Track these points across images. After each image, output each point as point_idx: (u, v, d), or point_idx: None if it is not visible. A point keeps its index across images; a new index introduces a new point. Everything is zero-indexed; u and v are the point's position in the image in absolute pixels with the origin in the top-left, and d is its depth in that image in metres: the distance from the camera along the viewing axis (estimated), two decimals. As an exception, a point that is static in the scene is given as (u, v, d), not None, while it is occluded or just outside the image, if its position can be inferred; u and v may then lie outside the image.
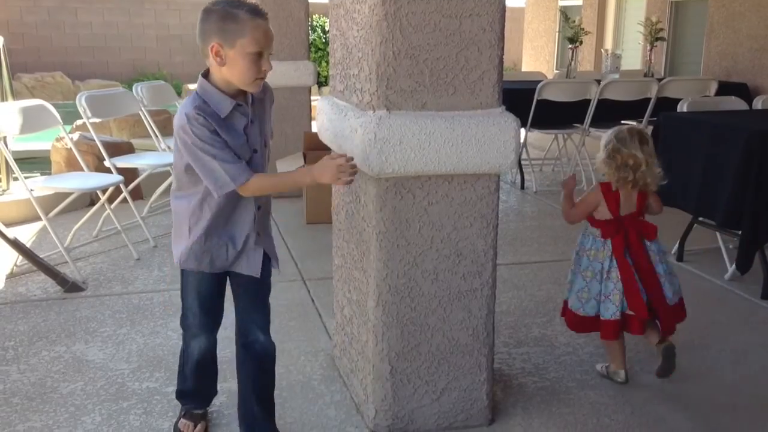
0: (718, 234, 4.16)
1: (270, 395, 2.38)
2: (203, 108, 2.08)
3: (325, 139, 2.69)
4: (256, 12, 2.07)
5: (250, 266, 2.28)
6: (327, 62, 12.65)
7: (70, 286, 3.74)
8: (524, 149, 6.10)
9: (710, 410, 2.64)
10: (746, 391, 2.79)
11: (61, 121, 4.34)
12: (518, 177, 6.33)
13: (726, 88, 6.24)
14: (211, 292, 2.32)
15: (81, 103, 4.47)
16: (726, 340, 3.24)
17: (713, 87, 6.20)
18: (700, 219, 4.17)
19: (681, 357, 3.06)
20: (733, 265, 3.84)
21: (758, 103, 4.91)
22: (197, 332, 2.39)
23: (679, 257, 4.27)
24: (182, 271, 2.30)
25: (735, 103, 4.84)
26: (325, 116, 2.65)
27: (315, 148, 4.72)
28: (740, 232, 3.71)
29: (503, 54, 2.30)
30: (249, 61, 2.08)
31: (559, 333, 3.27)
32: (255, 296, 2.35)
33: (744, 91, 6.63)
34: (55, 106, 4.38)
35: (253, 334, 2.33)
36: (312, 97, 5.87)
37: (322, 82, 12.55)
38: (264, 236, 2.31)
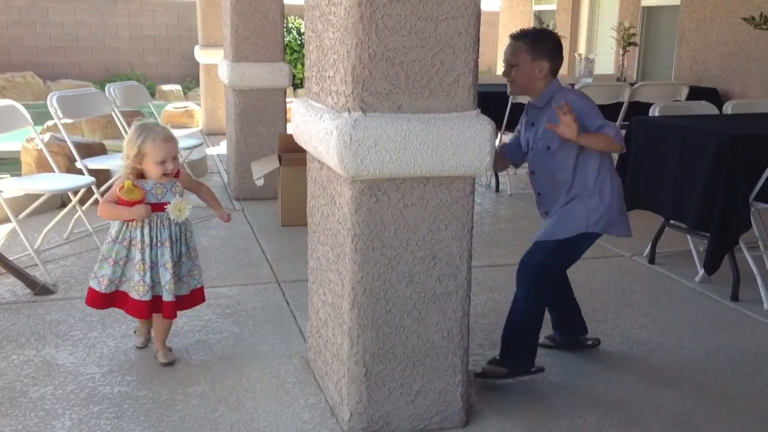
0: (689, 237, 4.21)
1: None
2: None
3: (301, 140, 2.68)
4: None
5: None
6: (302, 64, 12.64)
7: (40, 289, 3.68)
8: (499, 152, 6.12)
9: (681, 411, 2.67)
10: (716, 392, 2.82)
11: (31, 121, 4.28)
12: (493, 180, 6.36)
13: (696, 93, 6.33)
14: None
15: (52, 103, 4.41)
16: (696, 341, 3.28)
17: (684, 92, 6.28)
18: (672, 222, 4.22)
19: (653, 358, 3.10)
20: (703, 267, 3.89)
21: (728, 108, 4.98)
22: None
23: (651, 260, 4.32)
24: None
25: (705, 108, 4.91)
26: (301, 118, 2.64)
27: (290, 150, 4.71)
28: (709, 235, 3.76)
29: (478, 57, 2.31)
30: None
31: (533, 335, 3.29)
32: None
33: (714, 96, 6.74)
34: (25, 106, 4.32)
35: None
36: (287, 99, 5.86)
37: (297, 84, 12.52)
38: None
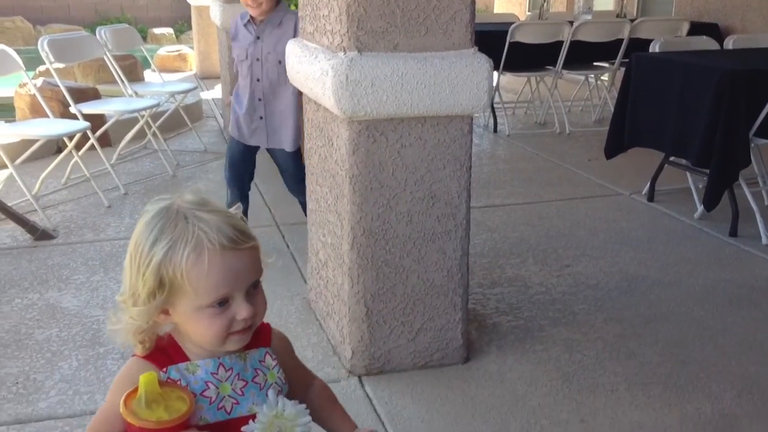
0: (688, 174, 4.21)
1: None
2: (236, 17, 3.44)
3: (296, 82, 2.65)
4: None
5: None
6: (296, 5, 12.37)
7: (41, 234, 3.69)
8: (497, 92, 6.08)
9: (679, 344, 2.71)
10: (713, 325, 2.86)
11: (23, 65, 4.22)
12: (491, 120, 6.32)
13: (697, 28, 6.24)
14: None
15: (43, 47, 4.34)
16: (695, 276, 3.31)
17: (685, 27, 6.19)
18: (671, 159, 4.21)
19: (651, 293, 3.13)
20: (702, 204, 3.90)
21: (729, 43, 4.91)
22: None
23: (650, 197, 4.32)
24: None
25: (706, 43, 4.85)
26: (296, 59, 2.60)
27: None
28: (708, 171, 3.75)
29: (476, -7, 2.27)
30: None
31: (532, 273, 3.32)
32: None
33: (715, 31, 6.63)
34: (16, 51, 4.25)
35: None
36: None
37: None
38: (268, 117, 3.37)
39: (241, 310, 1.16)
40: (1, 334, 2.75)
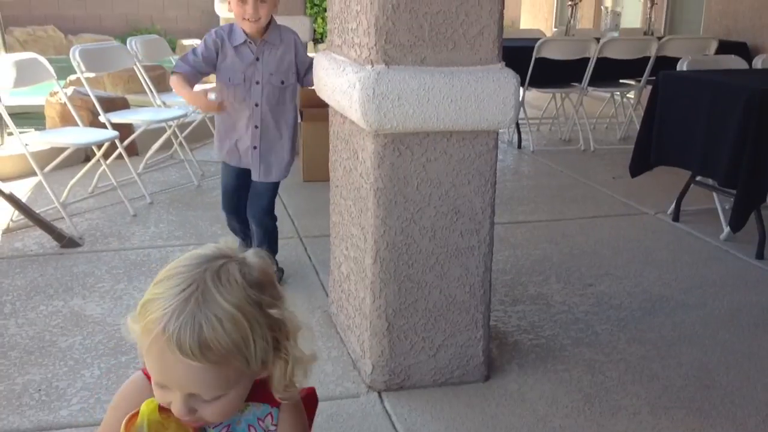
0: (714, 194, 4.16)
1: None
2: (221, 32, 3.10)
3: (323, 94, 2.66)
4: None
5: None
6: (323, 19, 12.51)
7: (67, 242, 3.73)
8: (522, 108, 6.07)
9: (703, 368, 2.67)
10: (739, 349, 2.81)
11: (54, 74, 4.29)
12: (515, 136, 6.30)
13: (726, 47, 6.19)
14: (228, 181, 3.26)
15: (75, 57, 4.41)
16: (720, 299, 3.26)
17: (713, 46, 6.15)
18: (697, 179, 4.17)
19: (675, 315, 3.09)
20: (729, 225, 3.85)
21: (758, 62, 4.87)
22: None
23: (675, 217, 4.28)
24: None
25: (735, 62, 4.81)
26: (323, 71, 2.62)
27: (312, 105, 4.68)
28: (735, 191, 3.71)
29: (503, 8, 2.27)
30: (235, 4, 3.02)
31: (554, 291, 3.29)
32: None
33: (744, 50, 6.57)
34: (48, 60, 4.32)
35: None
36: (308, 54, 5.79)
37: (318, 39, 12.41)
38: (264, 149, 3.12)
39: (174, 407, 1.02)
40: (25, 340, 2.78)
